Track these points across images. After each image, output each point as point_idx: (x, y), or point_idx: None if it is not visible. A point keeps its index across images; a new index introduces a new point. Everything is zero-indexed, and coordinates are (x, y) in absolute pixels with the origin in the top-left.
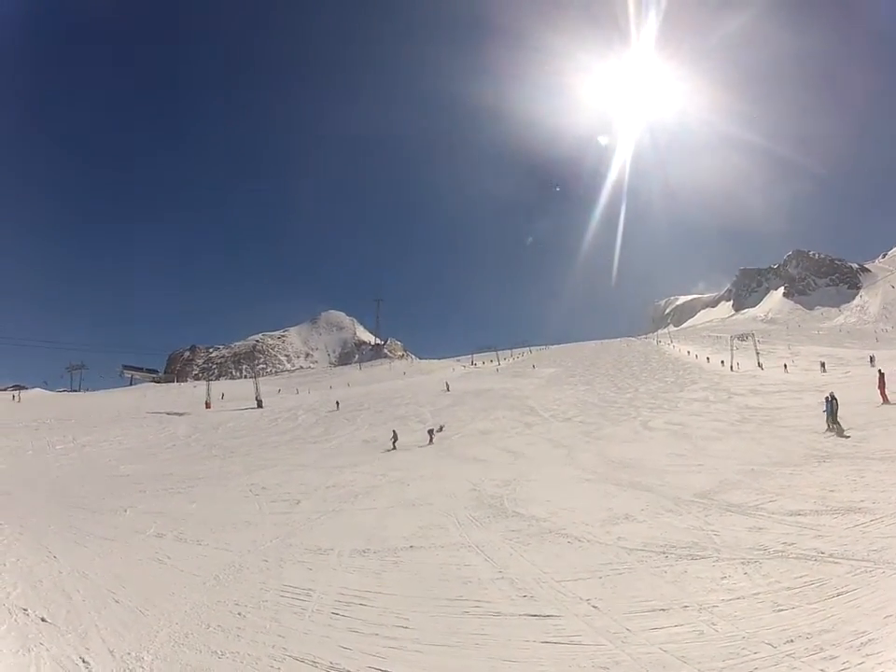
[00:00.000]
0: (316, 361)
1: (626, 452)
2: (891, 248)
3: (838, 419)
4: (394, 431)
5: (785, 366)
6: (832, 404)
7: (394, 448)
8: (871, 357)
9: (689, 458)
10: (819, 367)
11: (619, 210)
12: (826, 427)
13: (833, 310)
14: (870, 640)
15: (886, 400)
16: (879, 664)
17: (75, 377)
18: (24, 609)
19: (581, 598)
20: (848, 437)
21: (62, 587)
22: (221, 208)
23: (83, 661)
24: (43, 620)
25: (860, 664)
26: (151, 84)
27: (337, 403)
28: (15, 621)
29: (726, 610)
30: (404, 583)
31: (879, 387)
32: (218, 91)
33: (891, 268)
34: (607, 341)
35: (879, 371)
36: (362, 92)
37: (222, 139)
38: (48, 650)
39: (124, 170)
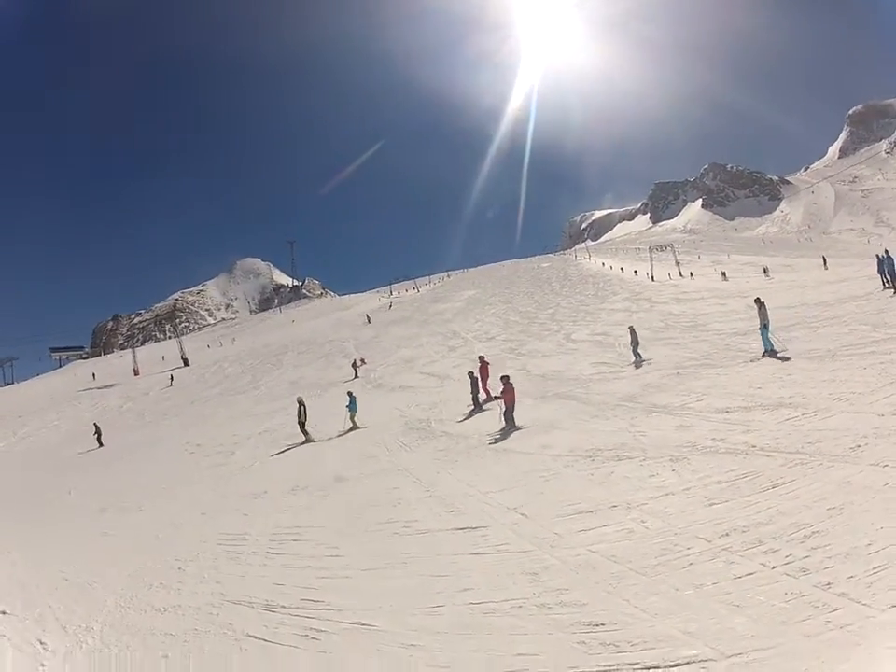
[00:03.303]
0: (237, 311)
1: (550, 364)
2: (814, 162)
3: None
4: (95, 424)
5: (691, 273)
6: None
7: (100, 445)
8: (764, 269)
9: (613, 366)
10: (734, 274)
11: (527, 136)
12: None
13: (754, 220)
14: (814, 533)
15: (488, 396)
16: (828, 557)
17: (7, 370)
18: None
19: (507, 508)
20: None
21: (17, 579)
22: (123, 166)
23: (40, 642)
24: (3, 613)
25: (805, 557)
26: None
27: (171, 377)
28: None
29: (656, 507)
30: (335, 514)
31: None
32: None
33: (814, 180)
34: (524, 259)
35: (480, 357)
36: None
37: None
38: (9, 639)
39: None
